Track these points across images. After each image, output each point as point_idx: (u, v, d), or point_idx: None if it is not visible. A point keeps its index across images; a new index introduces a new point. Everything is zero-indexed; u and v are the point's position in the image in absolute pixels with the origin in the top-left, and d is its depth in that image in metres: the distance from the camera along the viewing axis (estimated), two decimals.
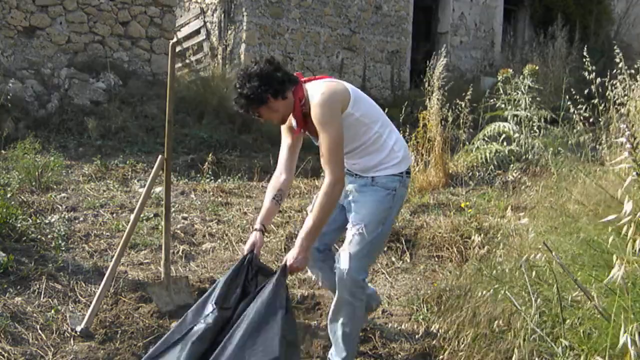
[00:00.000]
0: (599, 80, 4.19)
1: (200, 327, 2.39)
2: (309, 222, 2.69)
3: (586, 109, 3.99)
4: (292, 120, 2.88)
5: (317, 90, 2.76)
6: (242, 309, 2.40)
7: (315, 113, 2.70)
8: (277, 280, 2.47)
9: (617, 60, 4.14)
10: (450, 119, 6.37)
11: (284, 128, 2.97)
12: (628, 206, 1.76)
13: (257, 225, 2.86)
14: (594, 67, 4.00)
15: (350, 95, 2.80)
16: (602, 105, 4.18)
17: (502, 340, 2.58)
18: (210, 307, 2.44)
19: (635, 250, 1.76)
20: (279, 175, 2.96)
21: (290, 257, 2.66)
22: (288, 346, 2.30)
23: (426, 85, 6.55)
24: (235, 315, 2.39)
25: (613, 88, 4.19)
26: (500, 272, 2.86)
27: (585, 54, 4.40)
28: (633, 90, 4.08)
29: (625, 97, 3.92)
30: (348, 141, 2.77)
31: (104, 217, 5.09)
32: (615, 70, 4.38)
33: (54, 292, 3.67)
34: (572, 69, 9.91)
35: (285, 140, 2.99)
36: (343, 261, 2.76)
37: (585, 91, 4.25)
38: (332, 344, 2.94)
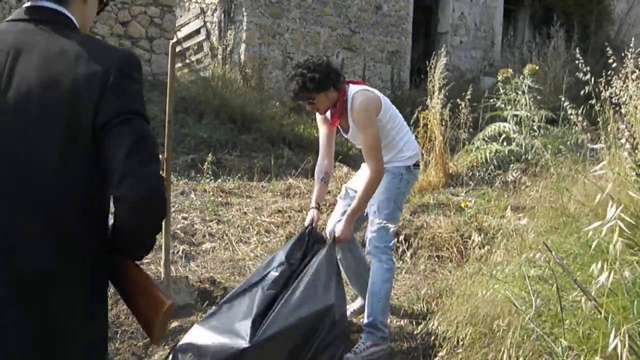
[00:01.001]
0: (598, 80, 4.19)
1: (273, 274, 2.95)
2: (355, 203, 3.26)
3: (583, 109, 3.99)
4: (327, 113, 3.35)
5: (358, 95, 3.24)
6: (304, 265, 3.00)
7: (358, 117, 3.21)
8: (329, 247, 3.12)
9: (610, 61, 4.14)
10: (450, 119, 6.37)
11: (319, 119, 3.47)
12: (611, 211, 1.78)
13: (313, 204, 3.41)
14: (588, 68, 4.00)
15: (382, 104, 3.31)
16: (599, 105, 4.18)
17: (501, 340, 2.58)
18: (280, 260, 3.02)
19: (617, 253, 1.76)
20: (322, 160, 3.48)
21: (338, 229, 3.25)
22: (338, 298, 2.90)
23: (428, 85, 6.55)
24: (299, 269, 2.98)
25: (609, 88, 4.19)
26: (500, 272, 2.86)
27: (578, 55, 4.40)
28: (627, 89, 4.08)
29: (620, 98, 3.92)
30: None
31: None
32: (610, 71, 4.38)
33: None
34: (572, 69, 9.91)
35: (323, 129, 3.48)
36: (371, 226, 3.34)
37: (582, 92, 4.25)
38: (368, 311, 3.28)
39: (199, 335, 2.72)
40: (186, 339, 2.77)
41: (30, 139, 1.35)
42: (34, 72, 1.37)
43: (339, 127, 3.44)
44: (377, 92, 3.36)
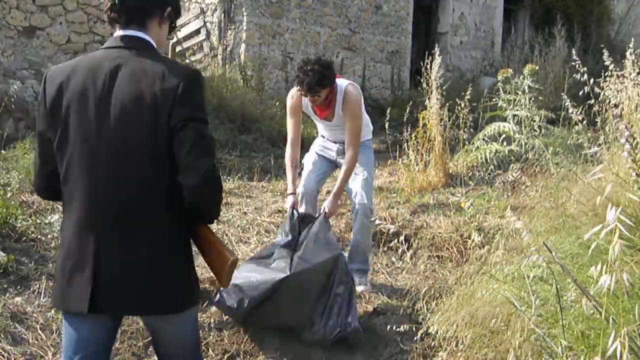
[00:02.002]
0: (593, 80, 4.19)
1: (284, 239, 3.55)
2: (338, 183, 3.82)
3: (582, 109, 3.98)
4: (309, 104, 3.83)
5: (351, 88, 3.80)
6: (305, 233, 3.51)
7: (354, 107, 3.78)
8: (322, 218, 3.60)
9: (607, 62, 4.15)
10: (450, 119, 6.37)
11: (292, 111, 3.92)
12: (610, 214, 1.78)
13: (291, 190, 3.83)
14: (585, 69, 4.00)
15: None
16: (598, 105, 4.18)
17: (501, 340, 2.58)
18: (286, 232, 3.58)
19: (616, 256, 1.76)
20: (294, 148, 3.93)
21: (327, 205, 3.74)
22: (340, 250, 3.63)
23: (424, 85, 6.54)
24: (301, 236, 3.52)
25: (607, 89, 4.19)
26: (499, 272, 2.86)
27: (575, 56, 4.40)
28: (623, 90, 4.09)
29: (616, 99, 3.93)
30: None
31: None
32: (606, 72, 4.38)
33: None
34: (572, 69, 9.90)
35: (294, 120, 3.94)
36: (360, 197, 3.90)
37: (580, 92, 4.25)
38: (352, 258, 3.97)
39: (238, 278, 3.17)
40: None
41: (126, 135, 1.83)
42: (127, 87, 1.84)
43: (318, 114, 3.93)
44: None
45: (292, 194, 3.83)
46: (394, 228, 4.73)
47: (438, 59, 6.42)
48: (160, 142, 1.83)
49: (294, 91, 3.87)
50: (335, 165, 4.19)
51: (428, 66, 6.53)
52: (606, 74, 4.34)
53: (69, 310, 1.92)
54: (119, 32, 1.91)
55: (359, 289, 3.88)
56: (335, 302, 3.32)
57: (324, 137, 4.17)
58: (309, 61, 3.66)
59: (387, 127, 6.20)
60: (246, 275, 3.30)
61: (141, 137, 1.84)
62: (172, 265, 1.94)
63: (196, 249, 2.07)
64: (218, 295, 3.35)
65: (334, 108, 3.84)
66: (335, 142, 4.10)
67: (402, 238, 4.57)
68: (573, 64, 4.17)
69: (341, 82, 3.83)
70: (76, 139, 1.85)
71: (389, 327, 3.50)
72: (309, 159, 4.12)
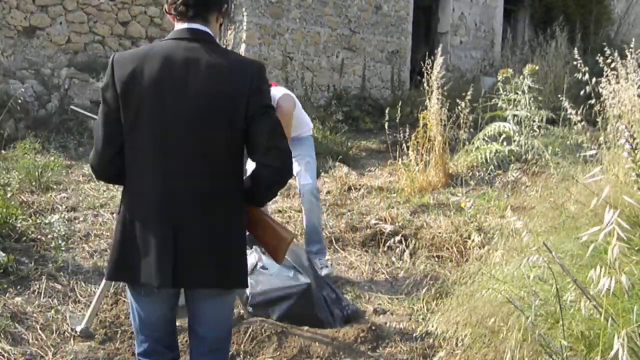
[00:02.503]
0: (594, 79, 4.19)
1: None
2: None
3: (583, 109, 3.99)
4: None
5: (282, 103, 3.91)
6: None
7: (284, 119, 3.66)
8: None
9: (609, 61, 4.15)
10: (450, 119, 6.36)
11: None
12: (608, 216, 1.78)
13: None
14: (586, 69, 4.00)
15: (295, 100, 4.16)
16: (599, 105, 4.18)
17: (501, 340, 2.58)
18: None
19: (614, 258, 1.76)
20: None
21: None
22: None
23: (425, 85, 6.53)
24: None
25: (605, 88, 4.19)
26: (499, 272, 2.86)
27: (577, 55, 4.39)
28: (619, 90, 4.09)
29: (615, 98, 3.93)
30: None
31: (104, 217, 5.09)
32: (607, 72, 4.38)
33: (54, 292, 3.68)
34: (572, 69, 9.90)
35: None
36: (306, 179, 4.19)
37: (581, 92, 4.25)
38: (309, 241, 4.25)
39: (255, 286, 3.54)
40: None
41: (203, 124, 1.96)
42: (202, 78, 1.96)
43: None
44: (287, 90, 4.19)
45: None
46: (391, 228, 4.75)
47: (440, 59, 6.42)
48: (236, 127, 1.98)
49: None
50: None
51: (429, 66, 6.52)
52: (606, 74, 4.34)
53: (148, 283, 2.00)
54: (183, 25, 2.03)
55: (324, 273, 4.02)
56: (329, 298, 3.64)
57: None
58: None
59: (386, 127, 6.20)
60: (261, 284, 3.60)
61: (219, 123, 1.97)
62: (240, 242, 2.09)
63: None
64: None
65: None
66: None
67: (398, 238, 4.60)
68: (574, 63, 4.17)
69: (275, 93, 3.84)
70: (152, 123, 1.96)
71: (389, 327, 3.50)
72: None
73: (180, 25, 2.04)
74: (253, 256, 3.71)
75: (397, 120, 6.14)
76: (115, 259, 2.04)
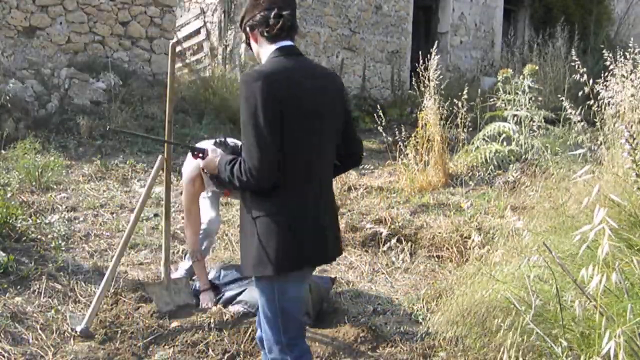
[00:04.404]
0: (592, 80, 4.19)
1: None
2: None
3: (582, 110, 3.98)
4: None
5: None
6: None
7: None
8: None
9: (607, 62, 4.15)
10: (448, 119, 6.36)
11: (197, 193, 3.75)
12: (598, 217, 1.78)
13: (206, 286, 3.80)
14: (585, 69, 3.99)
15: None
16: (598, 105, 4.18)
17: (501, 340, 2.58)
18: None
19: (607, 256, 1.76)
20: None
21: None
22: None
23: (422, 85, 6.52)
24: None
25: (607, 89, 4.20)
26: (499, 272, 2.87)
27: (575, 57, 4.39)
28: (622, 89, 4.09)
29: (614, 98, 3.92)
30: None
31: (104, 217, 5.09)
32: (606, 73, 4.38)
33: (54, 292, 3.68)
34: (572, 69, 9.90)
35: (197, 204, 3.79)
36: None
37: (580, 93, 4.25)
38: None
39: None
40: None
41: (323, 117, 2.33)
42: (325, 86, 2.38)
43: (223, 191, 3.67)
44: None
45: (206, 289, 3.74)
46: (387, 231, 4.74)
47: (435, 59, 6.40)
48: (340, 124, 2.42)
49: (194, 174, 3.61)
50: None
51: (426, 66, 6.51)
52: (606, 74, 4.34)
53: (318, 263, 2.51)
54: (286, 43, 2.35)
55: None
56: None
57: None
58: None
59: (381, 127, 6.19)
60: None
61: (336, 122, 2.40)
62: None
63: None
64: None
65: None
66: None
67: (394, 240, 4.59)
68: (573, 64, 4.17)
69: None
70: (311, 130, 2.29)
71: (389, 327, 3.50)
72: (206, 192, 3.88)
73: (281, 44, 2.34)
74: None
75: (397, 120, 6.14)
76: (286, 251, 2.26)
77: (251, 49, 2.48)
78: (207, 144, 3.54)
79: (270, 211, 2.25)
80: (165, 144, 3.52)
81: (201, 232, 3.77)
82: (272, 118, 2.18)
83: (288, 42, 2.35)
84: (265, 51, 2.37)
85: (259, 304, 2.37)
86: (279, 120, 2.19)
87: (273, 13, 2.30)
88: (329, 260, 2.52)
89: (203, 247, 3.84)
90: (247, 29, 2.40)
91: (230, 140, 2.75)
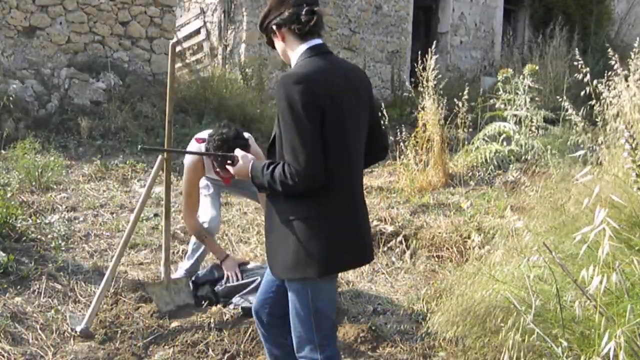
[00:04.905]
0: (596, 80, 4.19)
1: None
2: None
3: (583, 110, 3.99)
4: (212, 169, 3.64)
5: (256, 147, 3.66)
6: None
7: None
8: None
9: (612, 62, 4.14)
10: (448, 119, 6.36)
11: (197, 177, 3.73)
12: (599, 218, 1.78)
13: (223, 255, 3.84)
14: (587, 69, 3.99)
15: None
16: (599, 105, 4.18)
17: (501, 340, 2.58)
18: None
19: (609, 257, 1.77)
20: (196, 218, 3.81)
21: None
22: None
23: (420, 85, 6.51)
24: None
25: (610, 89, 4.19)
26: (499, 272, 2.87)
27: (577, 56, 4.39)
28: (621, 90, 4.08)
29: (616, 98, 3.92)
30: None
31: (104, 217, 5.09)
32: (610, 72, 4.38)
33: (54, 292, 3.68)
34: (571, 69, 9.90)
35: (197, 187, 3.77)
36: None
37: (581, 93, 4.25)
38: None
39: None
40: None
41: (359, 116, 2.35)
42: (351, 87, 2.34)
43: (223, 180, 3.66)
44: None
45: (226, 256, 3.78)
46: (392, 228, 4.75)
47: (433, 59, 6.38)
48: (369, 120, 2.42)
49: (196, 158, 3.63)
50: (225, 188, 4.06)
51: (424, 66, 6.50)
52: (609, 74, 4.33)
53: (361, 263, 2.53)
54: (317, 41, 2.32)
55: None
56: None
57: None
58: (228, 139, 3.34)
59: (386, 127, 6.20)
60: None
61: (367, 120, 2.40)
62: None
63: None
64: None
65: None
66: None
67: (400, 238, 4.60)
68: (574, 63, 4.16)
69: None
70: (345, 127, 2.28)
71: (389, 327, 3.50)
72: (207, 190, 3.90)
73: (313, 42, 2.32)
74: None
75: (397, 120, 6.14)
76: (329, 253, 2.25)
77: (274, 48, 2.44)
78: (206, 134, 3.58)
79: (311, 214, 2.24)
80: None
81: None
82: (315, 120, 2.17)
83: (319, 41, 2.32)
84: (294, 50, 2.32)
85: (290, 303, 2.34)
86: (320, 123, 2.18)
87: (305, 10, 2.26)
88: (365, 264, 2.57)
89: (203, 249, 3.85)
90: (273, 27, 2.34)
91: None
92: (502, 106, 6.70)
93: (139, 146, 3.19)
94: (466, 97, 6.27)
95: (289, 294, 2.34)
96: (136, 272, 4.11)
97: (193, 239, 3.91)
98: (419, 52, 6.72)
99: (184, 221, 3.90)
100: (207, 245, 3.76)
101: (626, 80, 4.05)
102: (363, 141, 2.38)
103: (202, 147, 3.53)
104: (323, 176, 2.19)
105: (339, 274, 4.27)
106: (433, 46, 6.88)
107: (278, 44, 2.38)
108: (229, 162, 2.47)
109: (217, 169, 3.50)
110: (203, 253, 3.94)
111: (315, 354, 2.30)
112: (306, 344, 2.31)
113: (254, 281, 3.62)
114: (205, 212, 3.81)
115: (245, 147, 3.14)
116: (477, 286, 2.88)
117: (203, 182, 3.87)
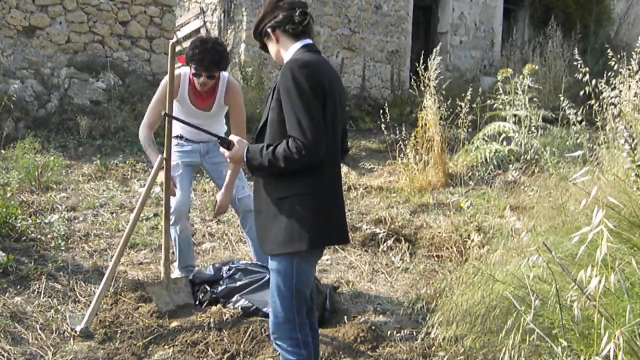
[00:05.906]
0: (595, 80, 4.19)
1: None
2: (229, 178, 3.73)
3: (583, 110, 3.99)
4: (186, 92, 3.71)
5: (232, 79, 3.77)
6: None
7: (238, 98, 3.76)
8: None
9: (612, 62, 4.15)
10: (449, 119, 6.36)
11: (166, 92, 3.56)
12: (597, 218, 1.78)
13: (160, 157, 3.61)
14: (587, 69, 3.99)
15: None
16: (599, 105, 4.18)
17: (501, 340, 2.58)
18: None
19: (607, 259, 1.77)
20: (150, 130, 3.80)
21: (220, 199, 3.76)
22: None
23: (422, 85, 6.51)
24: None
25: (611, 89, 4.19)
26: (499, 272, 2.87)
27: (577, 56, 4.38)
28: (626, 89, 4.08)
29: (617, 99, 3.92)
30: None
31: (104, 217, 5.09)
32: (610, 73, 4.38)
33: (54, 292, 3.68)
34: (571, 69, 9.91)
35: (162, 104, 3.62)
36: (243, 191, 3.87)
37: (581, 92, 4.25)
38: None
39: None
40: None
41: (343, 110, 2.56)
42: (338, 80, 2.54)
43: (197, 104, 3.74)
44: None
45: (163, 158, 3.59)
46: (387, 231, 4.74)
47: (436, 59, 6.39)
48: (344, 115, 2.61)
49: (178, 72, 3.64)
50: (198, 168, 4.05)
51: (426, 66, 6.51)
52: (610, 74, 4.33)
53: (337, 242, 2.78)
54: (307, 41, 2.49)
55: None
56: None
57: (181, 139, 3.87)
58: (208, 40, 3.56)
59: (383, 126, 6.19)
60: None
61: (345, 118, 2.62)
62: None
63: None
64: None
65: (216, 97, 3.73)
66: (198, 143, 3.87)
67: (391, 241, 4.59)
68: (574, 63, 4.16)
69: (223, 72, 3.70)
70: (336, 116, 2.45)
71: (389, 327, 3.50)
72: (176, 171, 3.77)
73: (303, 42, 2.48)
74: None
75: (397, 120, 6.14)
76: (318, 227, 2.38)
77: (267, 52, 2.60)
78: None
79: (303, 191, 2.38)
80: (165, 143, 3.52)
81: (172, 218, 3.66)
82: (320, 99, 2.35)
83: (310, 41, 2.50)
84: (288, 49, 2.48)
85: (273, 284, 2.46)
86: (322, 105, 2.36)
87: (299, 11, 2.45)
88: (345, 243, 2.68)
89: (179, 234, 3.82)
90: (268, 30, 2.51)
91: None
92: (502, 106, 6.70)
93: (162, 113, 3.25)
94: (469, 97, 6.27)
95: (272, 275, 2.46)
96: (136, 272, 4.11)
97: (173, 234, 3.84)
98: (420, 52, 6.72)
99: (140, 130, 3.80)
100: (148, 155, 3.73)
101: (631, 77, 4.05)
102: (340, 134, 2.54)
103: (187, 70, 3.66)
104: (324, 152, 2.34)
105: (339, 276, 4.28)
106: (438, 47, 6.88)
107: (272, 46, 2.54)
108: (226, 145, 2.52)
109: (195, 78, 3.59)
110: (184, 240, 3.88)
111: (296, 334, 2.46)
112: (287, 324, 2.45)
113: (254, 281, 3.62)
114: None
115: (224, 53, 3.51)
116: (477, 286, 2.88)
117: (173, 161, 3.72)
